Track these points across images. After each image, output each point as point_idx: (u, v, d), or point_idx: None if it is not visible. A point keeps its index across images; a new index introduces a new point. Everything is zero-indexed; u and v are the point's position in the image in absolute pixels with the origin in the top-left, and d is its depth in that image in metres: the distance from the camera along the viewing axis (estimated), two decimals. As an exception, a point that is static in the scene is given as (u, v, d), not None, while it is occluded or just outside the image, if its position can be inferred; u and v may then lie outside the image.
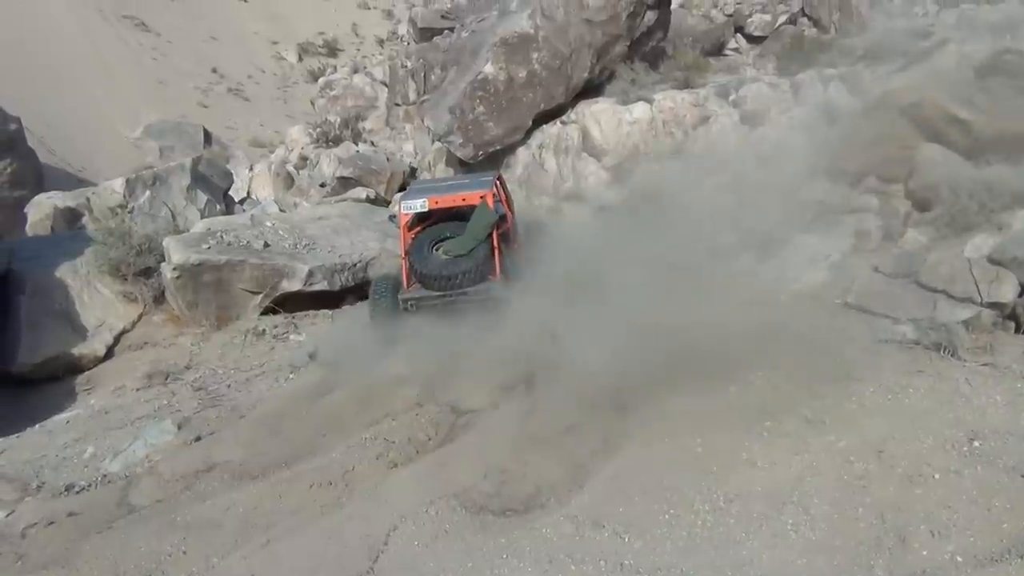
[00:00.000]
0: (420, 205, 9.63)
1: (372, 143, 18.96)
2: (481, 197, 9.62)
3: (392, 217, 10.96)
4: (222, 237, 11.80)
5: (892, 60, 15.11)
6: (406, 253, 9.71)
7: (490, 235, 9.50)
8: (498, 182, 10.72)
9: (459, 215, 9.86)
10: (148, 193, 13.74)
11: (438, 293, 9.33)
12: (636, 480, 5.91)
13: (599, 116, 15.09)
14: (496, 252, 9.56)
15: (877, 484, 5.59)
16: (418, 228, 10.13)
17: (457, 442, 6.85)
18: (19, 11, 28.78)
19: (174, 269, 11.18)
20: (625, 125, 14.96)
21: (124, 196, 13.52)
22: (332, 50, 35.08)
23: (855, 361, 7.31)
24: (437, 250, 9.54)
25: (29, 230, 14.06)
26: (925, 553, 5.00)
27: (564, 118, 15.34)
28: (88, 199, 13.96)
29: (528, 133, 15.30)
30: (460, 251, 9.40)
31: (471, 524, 5.72)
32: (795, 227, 12.18)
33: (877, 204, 12.30)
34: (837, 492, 5.54)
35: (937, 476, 5.55)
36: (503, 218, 9.96)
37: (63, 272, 11.74)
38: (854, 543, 5.15)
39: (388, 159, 17.11)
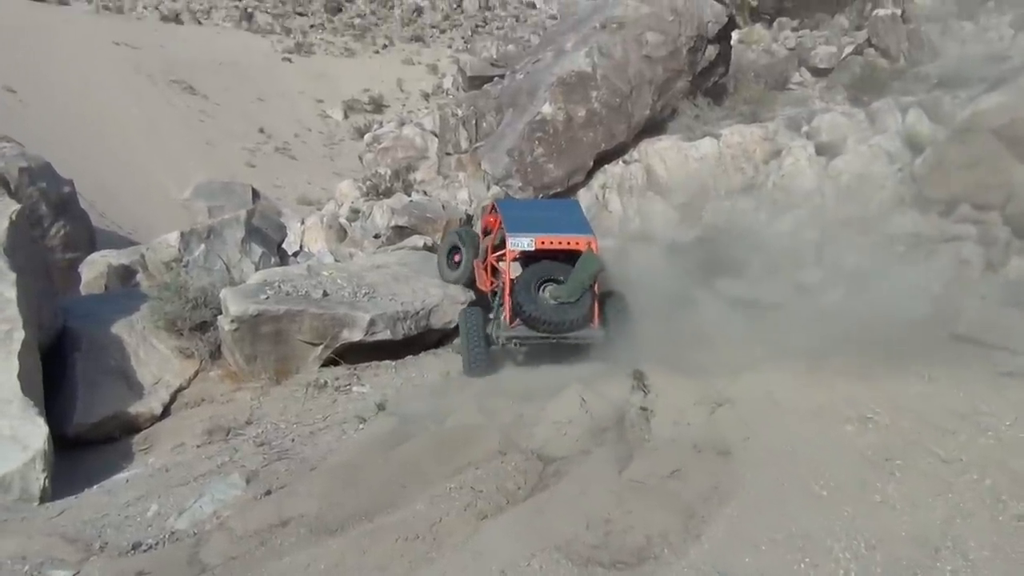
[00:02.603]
0: (527, 244, 10.22)
1: (424, 192, 18.92)
2: (588, 244, 10.22)
3: (469, 219, 11.17)
4: (280, 287, 11.66)
5: (971, 86, 14.71)
6: (511, 291, 10.14)
7: (594, 283, 10.07)
8: None
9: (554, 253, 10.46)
10: (203, 247, 13.74)
11: (541, 335, 9.97)
12: (759, 526, 5.46)
13: (664, 154, 14.94)
14: (596, 299, 10.16)
15: (1039, 525, 5.07)
16: (498, 249, 10.69)
17: (550, 490, 6.45)
18: (71, 78, 29.75)
19: (231, 321, 11.03)
20: (692, 162, 14.76)
21: (179, 250, 13.51)
22: (378, 106, 35.58)
23: (980, 395, 6.83)
24: (542, 290, 10.06)
25: (83, 289, 14.10)
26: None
27: (627, 157, 15.21)
28: (143, 255, 13.99)
29: (590, 174, 15.19)
30: (568, 298, 9.94)
31: (580, 579, 5.31)
32: (887, 260, 11.77)
33: (975, 232, 11.83)
34: (995, 535, 5.03)
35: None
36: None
37: (118, 328, 11.66)
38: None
39: (444, 206, 16.99)
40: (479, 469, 7.00)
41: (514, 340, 10.10)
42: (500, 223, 10.96)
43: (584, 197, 15.16)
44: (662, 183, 14.81)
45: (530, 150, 14.92)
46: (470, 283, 12.20)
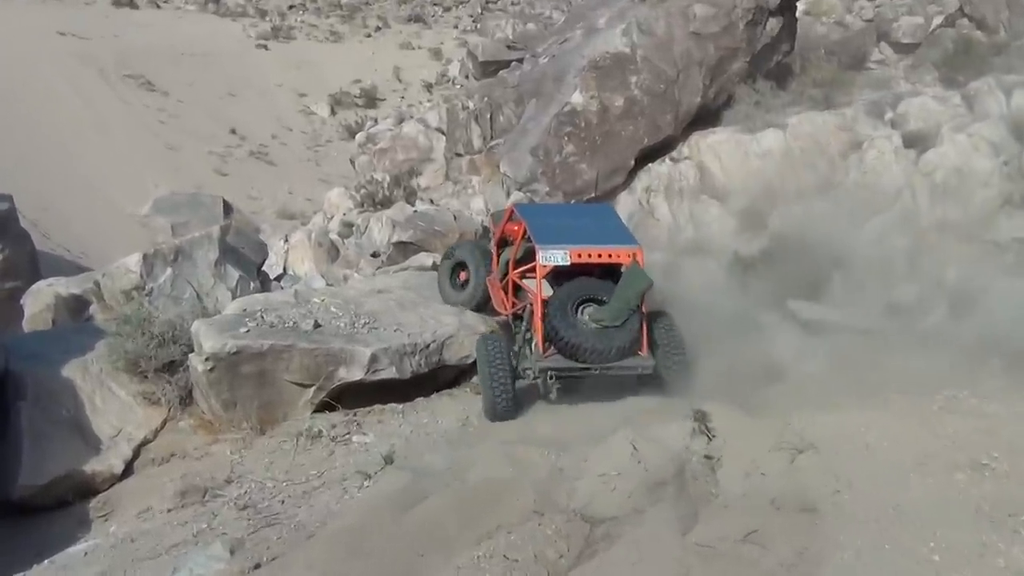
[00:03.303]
0: (561, 258, 10.11)
1: (431, 201, 19.05)
2: (632, 256, 10.14)
3: (485, 232, 11.24)
4: (262, 318, 11.65)
5: (1087, 60, 14.71)
6: (544, 315, 10.06)
7: (641, 303, 10.00)
8: None
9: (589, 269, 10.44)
10: (169, 271, 13.82)
11: (581, 366, 9.90)
12: (860, 600, 5.41)
13: (719, 149, 15.04)
14: (645, 323, 10.08)
15: None
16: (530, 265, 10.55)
17: (599, 559, 6.39)
18: (6, 76, 30.15)
19: (206, 360, 11.03)
20: (753, 158, 14.86)
21: (140, 276, 13.58)
22: (371, 100, 35.88)
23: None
24: (580, 312, 10.01)
25: (27, 325, 14.20)
26: None
27: (675, 154, 15.33)
28: (97, 283, 14.07)
29: (631, 175, 15.23)
30: (613, 321, 9.85)
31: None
32: (994, 272, 11.70)
33: (1098, 236, 11.76)
34: None
35: None
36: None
37: (70, 371, 11.68)
38: None
39: (455, 218, 17.07)
40: (512, 534, 6.94)
41: (548, 372, 10.04)
42: (525, 233, 10.98)
43: (625, 203, 15.22)
44: (718, 184, 14.86)
45: (558, 148, 15.01)
46: (479, 306, 12.24)
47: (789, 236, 13.76)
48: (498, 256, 11.98)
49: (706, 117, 15.59)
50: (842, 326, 10.96)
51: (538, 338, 10.15)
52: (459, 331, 12.05)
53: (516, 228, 11.43)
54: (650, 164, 15.45)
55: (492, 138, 19.10)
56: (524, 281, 11.01)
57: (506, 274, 11.44)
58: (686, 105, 15.34)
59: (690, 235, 14.77)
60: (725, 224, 14.60)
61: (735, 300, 11.81)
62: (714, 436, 7.64)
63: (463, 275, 12.45)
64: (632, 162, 15.20)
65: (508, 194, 16.39)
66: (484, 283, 12.05)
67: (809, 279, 12.16)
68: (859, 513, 6.25)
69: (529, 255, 10.73)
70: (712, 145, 15.12)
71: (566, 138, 15.02)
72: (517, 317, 11.14)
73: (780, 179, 14.65)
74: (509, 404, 10.12)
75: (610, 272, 10.48)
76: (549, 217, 11.83)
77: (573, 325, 9.92)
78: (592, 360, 9.88)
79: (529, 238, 10.75)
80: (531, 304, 10.54)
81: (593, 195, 15.03)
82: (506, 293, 11.38)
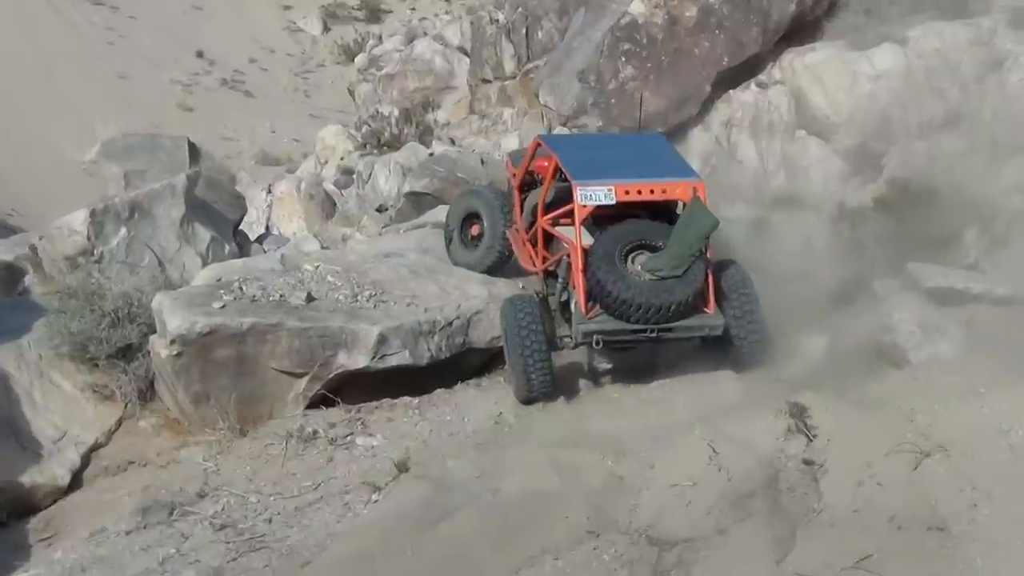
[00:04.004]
0: (604, 196, 10.13)
1: (452, 141, 19.03)
2: (693, 190, 10.17)
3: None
4: (241, 290, 11.71)
5: None
6: (586, 265, 10.02)
7: (705, 248, 10.01)
8: None
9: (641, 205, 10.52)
10: (123, 232, 13.80)
11: (634, 327, 9.89)
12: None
13: (820, 71, 14.88)
14: (711, 274, 10.10)
15: None
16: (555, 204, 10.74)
17: (673, 592, 6.46)
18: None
19: (171, 343, 11.11)
20: (864, 82, 14.67)
21: (88, 237, 13.63)
22: (373, 12, 35.89)
23: None
24: (631, 261, 10.03)
25: (-54, 300, 14.39)
26: None
27: (763, 78, 15.26)
28: (33, 247, 14.14)
29: (706, 105, 15.19)
30: (672, 271, 9.84)
31: None
32: None
33: None
34: None
35: None
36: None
37: (2, 359, 11.86)
38: None
39: (483, 161, 17.04)
40: (560, 560, 7.02)
41: (595, 337, 10.05)
42: (556, 169, 10.98)
43: (698, 141, 15.16)
44: (819, 116, 14.75)
45: (614, 72, 14.93)
46: (493, 268, 12.32)
47: (910, 182, 13.77)
48: (522, 203, 12.04)
49: (803, 30, 15.42)
50: (978, 295, 10.90)
51: (579, 295, 10.16)
52: (489, 305, 12.05)
53: (544, 164, 11.39)
54: (731, 91, 15.32)
55: (529, 59, 19.00)
56: (557, 229, 11.02)
57: (533, 223, 11.46)
58: (777, 15, 15.14)
59: (783, 182, 14.72)
60: (829, 167, 14.53)
61: (841, 264, 11.82)
62: (815, 435, 7.62)
63: (475, 228, 12.48)
64: (708, 88, 15.08)
65: (550, 130, 16.31)
66: (501, 238, 12.10)
67: (936, 236, 12.17)
68: (1000, 533, 6.29)
69: (562, 196, 10.77)
70: (811, 66, 14.94)
71: (624, 58, 14.88)
72: (549, 274, 11.18)
73: (899, 109, 14.48)
74: (547, 378, 10.19)
75: (660, 214, 10.60)
76: (586, 148, 11.85)
77: (623, 277, 9.90)
78: (647, 319, 9.88)
79: (562, 175, 10.79)
80: (567, 256, 10.57)
81: (660, 131, 14.89)
82: (534, 246, 11.40)
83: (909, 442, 7.20)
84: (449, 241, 12.66)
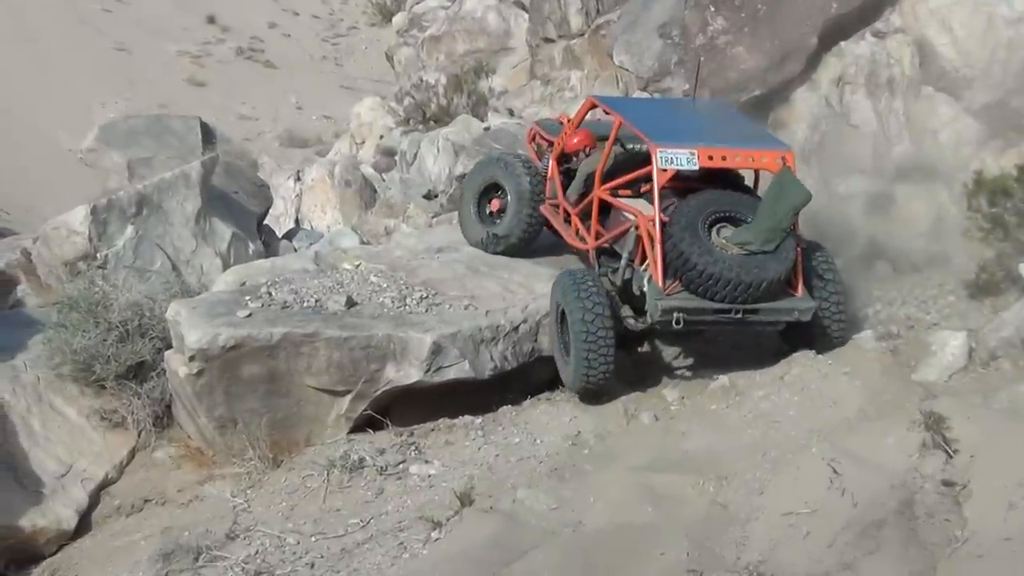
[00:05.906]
0: (687, 160, 10.49)
1: (510, 112, 19.02)
2: (782, 159, 10.52)
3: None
4: (270, 295, 11.72)
5: None
6: (664, 236, 10.38)
7: (795, 225, 10.39)
8: None
9: (714, 176, 10.98)
10: (130, 230, 13.83)
11: (718, 306, 10.31)
12: None
13: (949, 15, 14.89)
14: (801, 252, 10.52)
15: None
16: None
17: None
18: None
19: (190, 360, 11.09)
20: (1002, 27, 14.60)
21: (90, 239, 13.73)
22: (413, -36, 35.89)
23: None
24: (715, 233, 10.50)
25: (-71, 315, 14.49)
26: None
27: (881, 26, 15.25)
28: (27, 252, 14.28)
29: (813, 60, 15.07)
30: (763, 246, 10.31)
31: None
32: None
33: None
34: None
35: None
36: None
37: (-4, 383, 11.93)
38: None
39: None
40: (659, 604, 6.83)
41: (675, 315, 10.31)
42: (619, 131, 11.25)
43: (805, 103, 15.02)
44: (949, 70, 14.78)
45: (701, 24, 14.92)
46: (512, 249, 12.67)
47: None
48: (560, 174, 12.23)
49: (928, -33, 15.35)
50: None
51: (656, 270, 10.43)
52: (559, 305, 12.02)
53: (575, 141, 11.58)
54: (843, 43, 15.38)
55: (599, 13, 18.98)
56: (620, 200, 11.21)
57: (584, 194, 11.53)
58: (895, -51, 15.06)
59: (907, 149, 14.80)
60: (961, 130, 14.59)
61: (979, 245, 11.80)
62: (956, 451, 7.59)
63: (495, 203, 12.65)
64: (814, 41, 15.04)
65: (627, 94, 16.27)
66: (531, 213, 12.35)
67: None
68: None
69: (628, 163, 11.06)
70: (937, 9, 14.94)
71: (712, 8, 14.84)
72: (605, 252, 11.43)
73: (1048, 58, 14.03)
74: (609, 366, 10.54)
75: (734, 186, 11.10)
76: (654, 111, 11.87)
77: (709, 251, 10.29)
78: (735, 297, 10.27)
79: (624, 140, 11.11)
80: (636, 228, 10.87)
81: (757, 93, 14.85)
82: (583, 221, 11.63)
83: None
84: (463, 215, 12.67)
